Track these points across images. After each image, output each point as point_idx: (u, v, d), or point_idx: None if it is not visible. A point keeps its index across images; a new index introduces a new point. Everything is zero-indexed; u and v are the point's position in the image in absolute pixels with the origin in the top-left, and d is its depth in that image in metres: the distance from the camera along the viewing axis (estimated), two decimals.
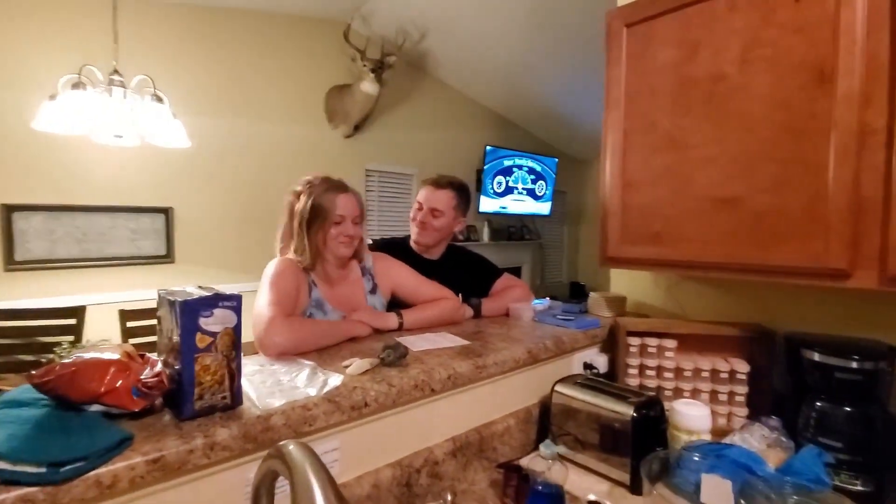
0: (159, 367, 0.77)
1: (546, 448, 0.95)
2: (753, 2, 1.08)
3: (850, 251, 0.95)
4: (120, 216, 3.24)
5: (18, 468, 0.57)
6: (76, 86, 2.09)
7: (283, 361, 1.00)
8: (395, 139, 4.62)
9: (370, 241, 1.80)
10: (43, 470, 0.58)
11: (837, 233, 0.95)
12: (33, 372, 0.70)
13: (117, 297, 3.12)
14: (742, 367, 1.27)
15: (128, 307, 2.97)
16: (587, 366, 1.41)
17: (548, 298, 1.87)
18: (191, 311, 0.73)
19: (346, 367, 0.98)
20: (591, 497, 0.99)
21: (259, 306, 1.16)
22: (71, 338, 2.70)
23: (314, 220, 1.32)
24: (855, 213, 0.94)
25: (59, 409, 0.71)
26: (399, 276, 1.51)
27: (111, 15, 2.48)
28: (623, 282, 1.72)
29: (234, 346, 0.77)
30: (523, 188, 5.55)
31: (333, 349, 1.14)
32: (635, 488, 1.04)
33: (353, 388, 0.88)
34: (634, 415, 1.05)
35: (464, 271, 1.77)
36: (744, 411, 1.28)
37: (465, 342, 1.23)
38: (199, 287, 0.82)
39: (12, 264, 2.90)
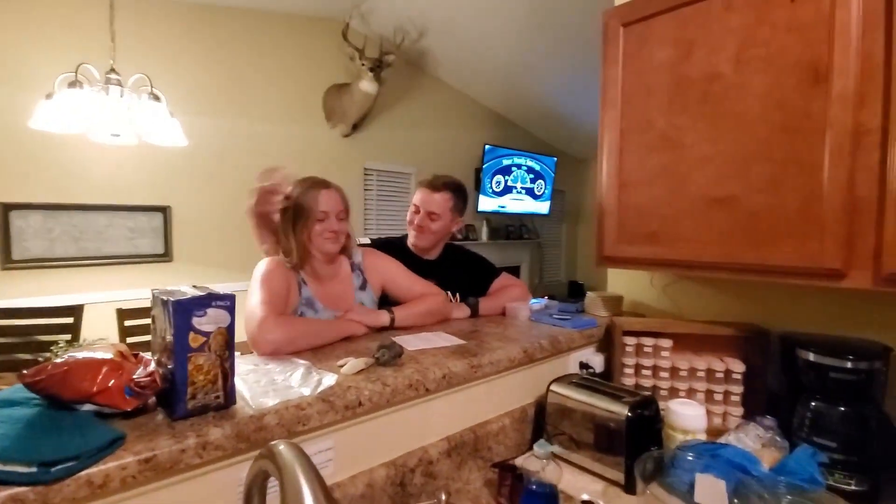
0: (152, 366, 0.77)
1: (540, 447, 0.95)
2: (749, 1, 1.08)
3: (844, 251, 0.95)
4: (117, 215, 3.24)
5: (9, 468, 0.57)
6: (73, 84, 2.08)
7: (278, 361, 1.00)
8: (393, 138, 4.62)
9: (368, 241, 1.80)
10: (33, 470, 0.57)
11: (832, 233, 0.95)
12: (25, 371, 0.70)
13: (115, 295, 3.12)
14: (737, 367, 1.28)
15: (125, 306, 2.97)
16: (583, 365, 1.41)
17: (546, 297, 1.87)
18: (184, 310, 0.72)
19: (341, 366, 0.98)
20: (585, 497, 0.99)
21: (251, 306, 1.16)
22: (68, 337, 2.70)
23: (298, 219, 1.32)
24: (849, 212, 0.94)
25: (51, 408, 0.71)
26: (389, 271, 1.51)
27: (108, 13, 2.47)
28: (620, 281, 1.72)
29: (227, 345, 0.77)
30: (522, 187, 5.55)
31: (328, 348, 1.14)
32: (630, 488, 1.04)
33: (347, 387, 0.88)
34: (629, 414, 1.05)
35: (462, 270, 1.77)
36: (739, 411, 1.28)
37: (461, 341, 1.23)
38: (194, 286, 0.82)
39: (10, 263, 2.89)
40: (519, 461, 1.07)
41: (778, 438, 1.07)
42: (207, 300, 0.74)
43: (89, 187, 3.12)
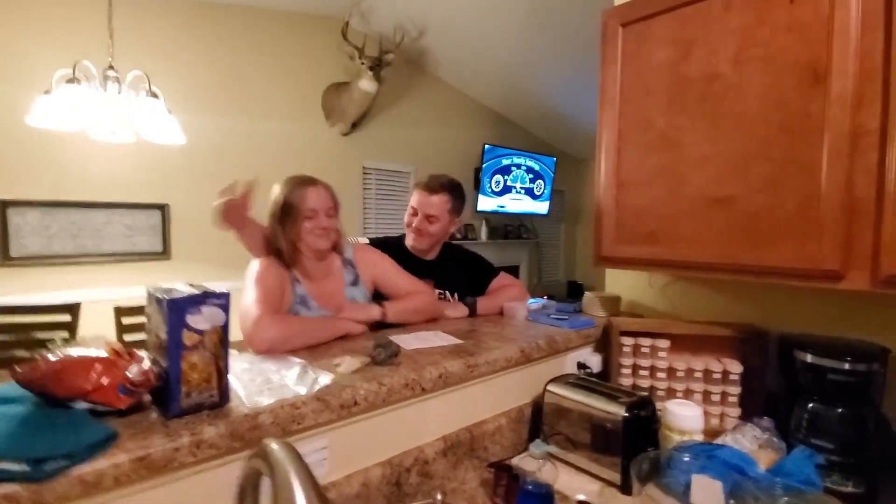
0: (146, 364, 0.77)
1: (536, 447, 0.95)
2: (749, 1, 1.08)
3: (842, 252, 0.95)
4: (116, 212, 3.23)
5: (1, 465, 0.56)
6: (71, 81, 2.08)
7: (274, 359, 1.00)
8: (392, 137, 4.61)
9: (367, 241, 1.79)
10: (26, 467, 0.57)
11: (830, 234, 0.95)
12: (18, 369, 0.70)
13: (113, 293, 3.11)
14: (735, 368, 1.27)
15: (123, 304, 2.97)
16: (580, 365, 1.41)
17: (544, 297, 1.87)
18: (178, 308, 0.72)
19: (337, 365, 0.98)
20: (581, 497, 0.99)
21: (245, 304, 1.16)
22: (65, 334, 2.69)
23: (286, 218, 1.32)
24: (848, 214, 0.94)
25: (44, 406, 0.70)
26: (379, 266, 1.50)
27: (107, 10, 2.46)
28: (618, 281, 1.72)
29: (222, 344, 0.77)
30: (521, 187, 5.55)
31: (324, 347, 1.14)
32: (626, 488, 1.04)
33: (343, 386, 0.88)
34: (626, 415, 1.05)
35: (460, 270, 1.77)
36: (736, 412, 1.28)
37: (458, 341, 1.22)
38: (189, 284, 0.82)
39: (7, 260, 2.89)
40: (515, 461, 1.07)
41: (775, 440, 1.07)
42: (202, 298, 0.74)
43: (87, 185, 3.11)
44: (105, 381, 0.70)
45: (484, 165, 5.11)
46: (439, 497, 0.94)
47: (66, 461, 0.59)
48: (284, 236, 1.32)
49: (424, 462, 1.01)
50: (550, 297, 1.91)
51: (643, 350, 1.37)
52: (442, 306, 1.56)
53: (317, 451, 0.86)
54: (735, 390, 1.28)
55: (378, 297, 1.48)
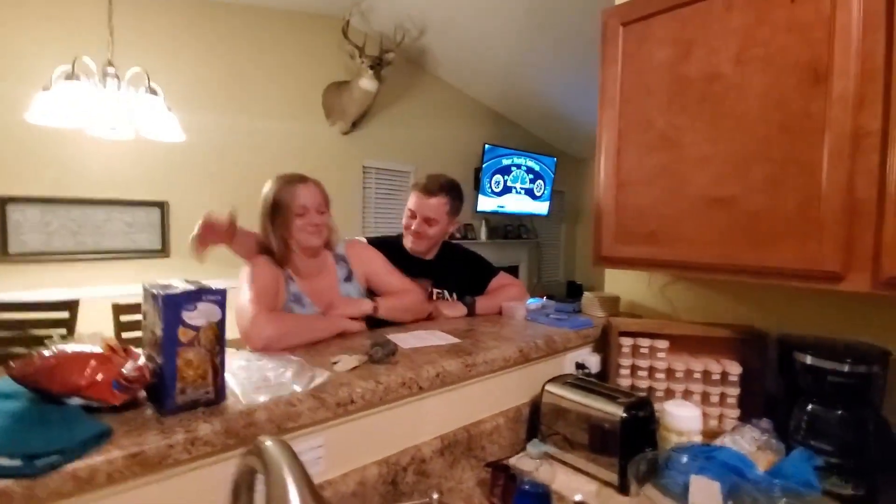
0: (142, 360, 0.76)
1: (534, 447, 0.95)
2: (750, 1, 1.07)
3: (843, 253, 0.94)
4: (115, 210, 3.23)
5: None
6: (70, 77, 2.07)
7: (270, 357, 0.99)
8: (392, 136, 4.61)
9: (364, 240, 1.78)
10: (19, 462, 0.57)
11: (831, 234, 0.95)
12: (12, 364, 0.69)
13: (111, 290, 3.10)
14: (734, 369, 1.27)
15: (122, 301, 2.96)
16: (579, 366, 1.41)
17: (543, 297, 1.86)
18: (173, 304, 0.72)
19: (334, 363, 0.97)
20: (578, 497, 0.98)
21: (241, 303, 1.16)
22: (63, 331, 2.69)
23: (276, 216, 1.31)
24: (848, 214, 0.93)
25: (38, 401, 0.70)
26: (371, 262, 1.50)
27: (107, 7, 2.46)
28: (617, 282, 1.71)
29: (217, 340, 0.76)
30: (521, 188, 5.54)
31: (321, 345, 1.13)
32: (623, 489, 1.03)
33: (339, 384, 0.87)
34: (624, 415, 1.04)
35: (459, 269, 1.76)
36: (735, 413, 1.27)
37: (456, 340, 1.22)
38: (186, 281, 0.81)
39: (7, 256, 2.88)
40: (512, 461, 1.06)
41: (774, 441, 1.07)
42: (198, 294, 0.74)
43: (87, 182, 3.11)
44: (100, 377, 0.70)
45: (484, 165, 5.10)
46: (436, 496, 0.93)
47: (59, 457, 0.58)
48: (275, 235, 1.31)
49: (421, 461, 1.01)
50: (550, 298, 1.91)
51: (642, 351, 1.37)
52: (430, 307, 1.55)
53: (313, 449, 0.85)
54: (734, 391, 1.27)
55: (372, 293, 1.48)
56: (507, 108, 5.43)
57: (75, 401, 0.70)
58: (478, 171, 5.15)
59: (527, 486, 0.92)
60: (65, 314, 2.75)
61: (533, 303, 1.68)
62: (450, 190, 1.69)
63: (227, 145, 3.61)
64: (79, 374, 0.69)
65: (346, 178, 4.33)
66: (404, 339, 1.19)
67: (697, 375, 1.31)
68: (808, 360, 1.07)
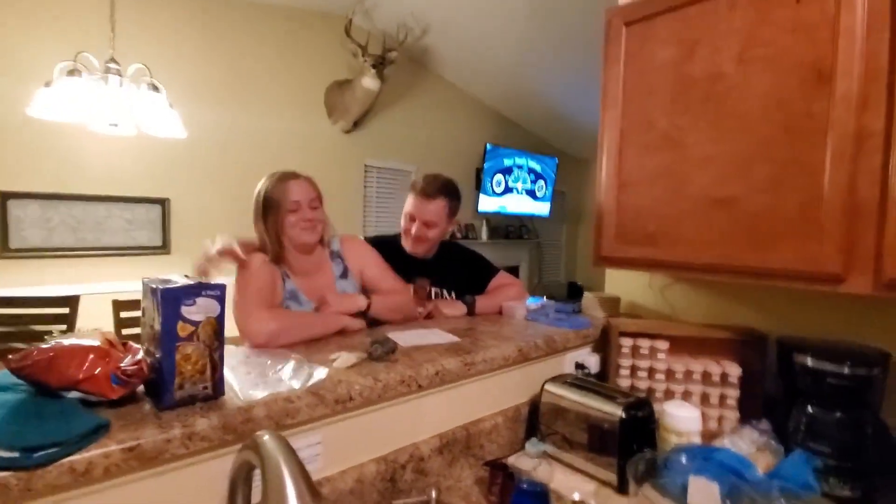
0: (140, 355, 0.76)
1: (532, 446, 0.94)
2: (754, 1, 1.07)
3: (844, 255, 0.94)
4: (116, 206, 3.23)
5: None
6: (72, 73, 2.07)
7: (269, 353, 0.99)
8: (394, 135, 4.61)
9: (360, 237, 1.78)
10: (16, 455, 0.57)
11: (832, 236, 0.94)
12: (10, 357, 0.69)
13: (111, 287, 3.10)
14: (734, 371, 1.26)
15: (122, 297, 2.96)
16: (579, 366, 1.40)
17: (544, 297, 1.86)
18: (172, 299, 0.72)
19: (333, 360, 0.97)
20: (576, 496, 0.98)
21: (240, 300, 1.15)
22: (63, 327, 2.69)
23: (269, 213, 1.31)
24: (850, 216, 0.93)
25: (36, 394, 0.70)
26: (365, 258, 1.49)
27: (109, 3, 2.46)
28: (618, 282, 1.71)
29: (216, 335, 0.76)
30: (523, 188, 5.54)
31: (321, 342, 1.13)
32: (622, 489, 1.03)
33: (338, 381, 0.87)
34: (623, 415, 1.04)
35: (459, 268, 1.75)
36: (734, 415, 1.27)
37: (456, 339, 1.22)
38: (186, 276, 0.81)
39: (7, 251, 2.89)
40: (511, 460, 1.06)
41: (773, 443, 1.06)
42: (197, 289, 0.73)
43: (88, 178, 3.11)
44: (98, 370, 0.70)
45: (485, 165, 5.10)
46: (434, 494, 0.93)
47: (56, 450, 0.58)
48: (269, 233, 1.31)
49: (420, 459, 1.01)
50: (550, 298, 1.90)
51: (642, 351, 1.37)
52: (426, 308, 1.54)
53: (311, 446, 0.85)
54: (734, 393, 1.27)
55: (365, 291, 1.47)
56: (510, 107, 5.43)
57: (73, 394, 0.70)
58: (479, 170, 5.14)
59: (525, 485, 0.91)
60: (65, 310, 2.75)
61: (533, 302, 1.68)
62: (448, 191, 1.68)
63: (228, 143, 3.61)
64: (77, 367, 0.69)
65: (348, 177, 4.33)
66: (404, 338, 1.18)
67: (697, 377, 1.31)
68: (808, 361, 1.07)
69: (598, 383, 1.21)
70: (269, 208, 1.30)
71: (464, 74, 4.83)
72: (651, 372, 1.36)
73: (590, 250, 1.42)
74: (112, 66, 2.22)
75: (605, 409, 1.07)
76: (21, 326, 2.63)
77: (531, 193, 5.65)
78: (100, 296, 3.00)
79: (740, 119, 1.09)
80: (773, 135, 1.03)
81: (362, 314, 1.35)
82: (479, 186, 5.13)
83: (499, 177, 5.27)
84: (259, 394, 0.79)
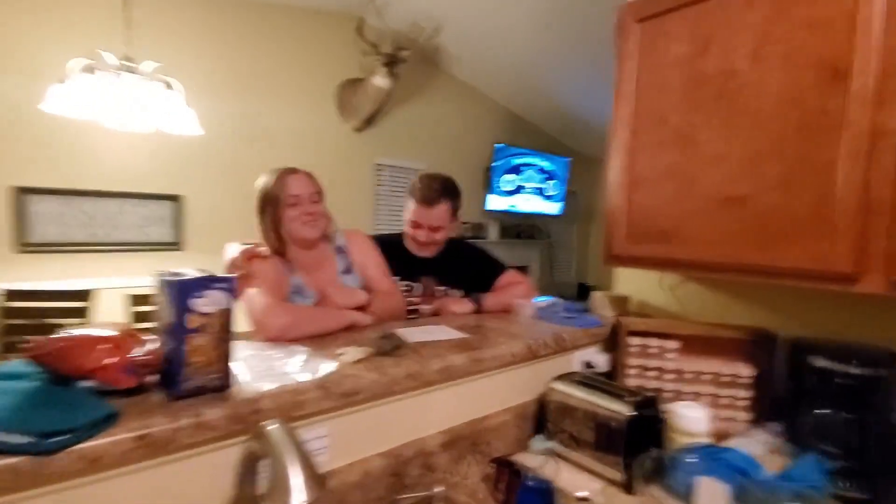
0: (152, 345, 0.77)
1: (538, 444, 0.94)
2: None
3: (857, 254, 0.92)
4: (130, 202, 3.28)
5: (7, 438, 0.57)
6: (86, 69, 2.11)
7: (278, 347, 1.00)
8: (405, 134, 4.62)
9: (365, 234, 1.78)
10: (30, 440, 0.58)
11: (845, 235, 0.93)
12: (27, 345, 0.71)
13: (126, 282, 3.15)
14: (745, 371, 1.25)
15: (136, 292, 3.01)
16: (587, 364, 1.40)
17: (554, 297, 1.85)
18: (184, 291, 0.73)
19: (341, 354, 0.98)
20: (581, 494, 0.97)
21: (251, 294, 1.16)
22: (80, 320, 2.74)
23: (268, 208, 1.31)
24: (863, 215, 0.91)
25: (51, 382, 0.71)
26: (369, 255, 1.50)
27: (125, 1, 2.50)
28: (628, 282, 1.70)
29: (226, 328, 0.77)
30: (533, 187, 5.52)
31: (328, 337, 1.14)
32: (629, 488, 1.02)
33: (345, 375, 0.88)
34: (631, 414, 1.03)
35: (465, 266, 1.74)
36: (745, 416, 1.25)
37: (464, 335, 1.22)
38: (198, 270, 0.82)
39: (25, 246, 2.94)
40: (517, 457, 1.06)
41: (783, 444, 1.05)
42: (207, 282, 0.74)
43: (103, 174, 3.16)
44: (110, 360, 0.71)
45: (495, 164, 5.09)
46: (438, 490, 0.93)
47: (69, 436, 0.59)
48: (271, 228, 1.32)
49: (426, 454, 1.01)
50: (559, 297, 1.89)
51: (651, 351, 1.36)
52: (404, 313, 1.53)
53: (317, 438, 0.86)
54: (744, 394, 1.26)
55: None
56: (522, 106, 5.41)
57: (87, 383, 0.71)
58: (489, 169, 5.13)
59: (531, 482, 0.91)
60: (80, 304, 2.81)
61: (542, 300, 1.67)
62: (449, 193, 1.66)
63: (241, 141, 3.65)
64: (90, 357, 0.70)
65: (358, 175, 4.35)
66: (411, 334, 1.19)
67: (707, 377, 1.30)
68: (819, 362, 1.06)
69: (606, 382, 1.20)
70: (269, 203, 1.31)
71: (475, 73, 4.82)
72: (660, 372, 1.35)
73: (601, 250, 1.41)
74: (127, 63, 2.26)
75: (612, 408, 1.07)
76: (38, 319, 2.69)
77: (541, 192, 5.62)
78: (114, 290, 3.05)
79: (753, 116, 1.08)
80: (786, 132, 1.02)
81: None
82: (488, 186, 5.12)
83: (509, 176, 5.25)
84: (267, 386, 0.79)
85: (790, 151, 1.01)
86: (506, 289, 1.71)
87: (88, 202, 3.14)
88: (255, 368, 0.87)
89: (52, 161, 2.99)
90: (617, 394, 1.10)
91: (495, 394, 1.19)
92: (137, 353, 0.74)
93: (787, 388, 1.21)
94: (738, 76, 1.10)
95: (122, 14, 2.43)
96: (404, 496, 0.94)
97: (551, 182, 5.69)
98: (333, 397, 0.84)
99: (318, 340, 1.10)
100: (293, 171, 1.35)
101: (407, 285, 1.66)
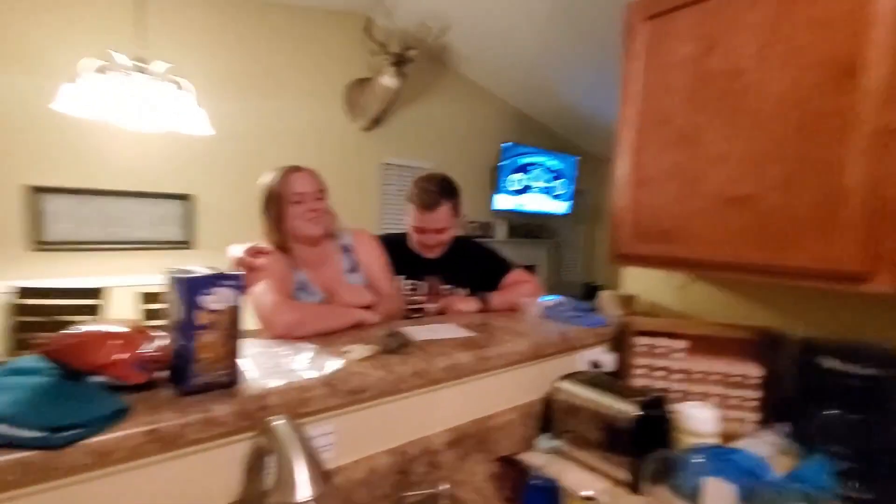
0: (162, 342, 0.78)
1: (544, 443, 0.94)
2: None
3: (866, 254, 0.91)
4: (142, 201, 3.32)
5: (18, 432, 0.58)
6: (98, 69, 2.13)
7: (286, 344, 1.01)
8: (413, 133, 4.63)
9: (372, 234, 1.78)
10: (42, 434, 0.59)
11: (853, 234, 0.92)
12: (41, 340, 0.72)
13: (138, 280, 3.19)
14: (753, 372, 1.24)
15: (147, 290, 3.05)
16: (593, 364, 1.39)
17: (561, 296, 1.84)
18: (192, 288, 0.74)
19: (347, 352, 0.98)
20: (587, 493, 0.97)
21: (258, 291, 1.17)
22: (92, 317, 2.78)
23: (272, 206, 1.32)
24: (873, 214, 0.90)
25: (63, 378, 0.72)
26: (374, 256, 1.50)
27: (137, 2, 2.53)
28: (635, 281, 1.69)
29: (234, 324, 0.78)
30: (540, 186, 5.50)
31: (335, 335, 1.15)
32: (635, 488, 1.02)
33: (351, 372, 0.89)
34: (637, 414, 1.03)
35: (471, 264, 1.74)
36: (754, 416, 1.24)
37: (470, 333, 1.22)
38: (207, 268, 0.83)
39: (40, 244, 2.99)
40: (523, 456, 1.06)
41: (792, 445, 1.04)
42: (216, 279, 0.75)
43: (116, 174, 3.20)
44: (122, 356, 0.72)
45: (503, 163, 5.08)
46: (443, 487, 0.93)
47: (80, 431, 0.61)
48: (274, 225, 1.33)
49: (432, 452, 1.01)
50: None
51: (658, 351, 1.35)
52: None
53: (324, 435, 0.86)
54: (753, 395, 1.25)
55: None
56: (530, 105, 5.40)
57: (98, 378, 0.72)
58: (496, 168, 5.13)
59: (536, 481, 0.91)
60: (93, 301, 2.84)
61: (548, 299, 1.67)
62: (448, 193, 1.65)
63: (250, 140, 3.68)
64: (102, 352, 0.71)
65: (366, 175, 4.36)
66: (417, 332, 1.19)
67: (715, 377, 1.29)
68: (829, 363, 1.05)
69: (613, 381, 1.20)
70: (273, 200, 1.32)
71: (483, 72, 4.81)
72: (668, 372, 1.34)
73: (608, 249, 1.41)
74: (139, 63, 2.28)
75: (619, 408, 1.06)
76: (51, 316, 2.73)
77: (549, 191, 5.61)
78: (126, 288, 3.09)
79: (757, 116, 1.07)
80: (791, 132, 1.01)
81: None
82: (496, 185, 5.11)
83: (516, 175, 5.24)
84: (274, 382, 0.80)
85: (795, 151, 1.00)
86: (512, 287, 1.71)
87: (101, 201, 3.18)
88: (263, 365, 0.87)
89: (65, 160, 3.03)
90: (623, 393, 1.10)
91: (501, 392, 1.19)
92: (147, 349, 0.75)
93: (795, 388, 1.20)
94: (743, 75, 1.10)
95: (134, 15, 2.46)
96: (410, 493, 0.94)
97: (559, 181, 5.67)
98: (340, 395, 0.84)
99: (325, 338, 1.11)
100: (297, 168, 1.36)
101: (412, 284, 1.67)
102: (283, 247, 1.34)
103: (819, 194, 0.97)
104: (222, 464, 0.75)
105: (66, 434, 0.60)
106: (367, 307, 1.33)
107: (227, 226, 3.52)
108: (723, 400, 1.28)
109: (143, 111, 2.29)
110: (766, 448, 1.07)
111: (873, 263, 0.91)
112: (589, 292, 6.02)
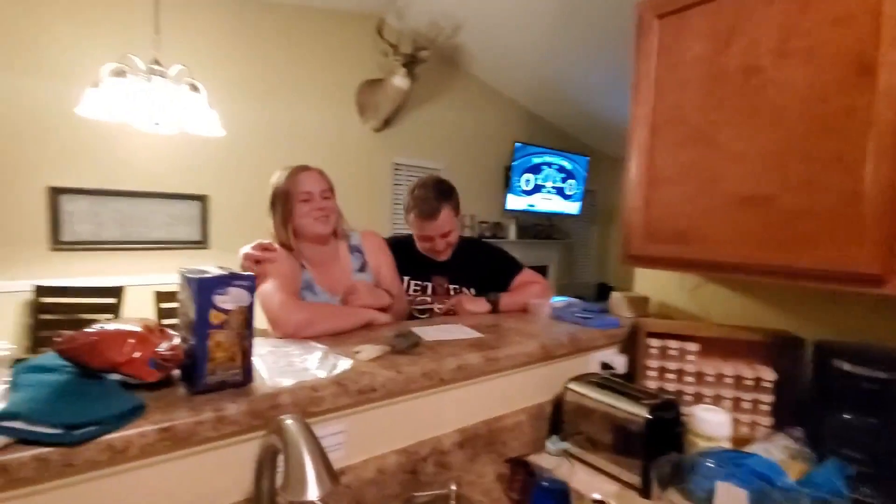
0: (176, 341, 0.80)
1: (553, 445, 0.94)
2: None
3: (885, 256, 0.89)
4: (158, 202, 3.37)
5: (35, 428, 0.60)
6: (118, 74, 2.17)
7: (296, 344, 1.02)
8: (424, 134, 4.64)
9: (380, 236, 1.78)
10: (58, 431, 0.60)
11: (872, 235, 0.90)
12: (57, 339, 0.74)
13: (154, 279, 3.25)
14: (768, 375, 1.22)
15: (163, 289, 3.10)
16: (604, 365, 1.38)
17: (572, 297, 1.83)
18: (206, 288, 0.75)
19: (357, 352, 0.99)
20: (597, 496, 0.97)
21: (266, 290, 1.18)
22: (110, 316, 2.83)
23: (278, 204, 1.33)
24: (892, 215, 0.88)
25: (80, 376, 0.74)
26: (383, 257, 1.51)
27: (153, 7, 2.57)
28: (647, 282, 1.68)
29: (246, 324, 0.79)
30: (552, 186, 5.48)
31: (345, 335, 1.15)
32: (646, 492, 1.01)
33: (361, 372, 0.89)
34: (649, 417, 1.02)
35: (480, 265, 1.74)
36: (767, 420, 1.23)
37: (480, 335, 1.22)
38: (220, 268, 0.85)
39: (59, 244, 3.06)
40: (532, 457, 1.06)
41: (806, 450, 1.02)
42: (229, 279, 0.76)
43: (133, 175, 3.26)
44: (137, 354, 0.73)
45: (514, 163, 5.07)
46: (454, 488, 0.94)
47: (96, 428, 0.62)
48: (282, 224, 1.34)
49: (441, 453, 1.02)
50: (578, 298, 1.88)
51: (671, 353, 1.34)
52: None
53: (334, 434, 0.87)
54: (767, 398, 1.23)
55: None
56: (541, 105, 5.38)
57: (114, 376, 0.74)
58: (508, 169, 5.12)
59: (546, 483, 0.91)
60: (111, 300, 2.90)
61: (559, 301, 1.66)
62: (445, 196, 1.63)
63: (263, 141, 3.72)
64: (118, 351, 0.73)
65: (377, 175, 4.38)
66: (427, 332, 1.20)
67: (729, 380, 1.27)
68: (845, 366, 1.03)
69: (624, 383, 1.19)
70: (280, 200, 1.34)
71: (495, 72, 4.81)
72: (680, 374, 1.33)
73: (620, 250, 1.40)
74: (156, 67, 2.32)
75: (630, 410, 1.06)
76: (70, 315, 2.79)
77: (560, 192, 5.58)
78: (143, 287, 3.14)
79: (776, 114, 1.05)
80: (810, 130, 0.99)
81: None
82: (507, 185, 5.10)
83: (527, 175, 5.22)
84: (286, 382, 0.81)
85: (814, 150, 0.98)
86: (522, 288, 1.70)
87: (119, 202, 3.24)
88: (274, 365, 0.88)
89: (84, 162, 3.09)
90: (635, 396, 1.09)
91: (511, 393, 1.19)
92: (163, 347, 0.76)
93: (808, 392, 1.18)
94: (760, 73, 1.08)
95: (153, 20, 2.50)
96: (419, 493, 0.95)
97: (570, 181, 5.64)
98: (350, 394, 0.85)
99: (335, 338, 1.12)
100: (305, 168, 1.37)
101: (420, 285, 1.67)
102: (290, 245, 1.35)
103: (840, 194, 0.95)
104: (234, 462, 0.76)
105: (82, 431, 0.61)
106: (384, 309, 1.34)
107: (240, 226, 3.56)
108: (735, 403, 1.26)
109: (161, 114, 2.33)
110: (779, 452, 1.05)
111: (892, 265, 0.89)
112: (602, 293, 5.99)
